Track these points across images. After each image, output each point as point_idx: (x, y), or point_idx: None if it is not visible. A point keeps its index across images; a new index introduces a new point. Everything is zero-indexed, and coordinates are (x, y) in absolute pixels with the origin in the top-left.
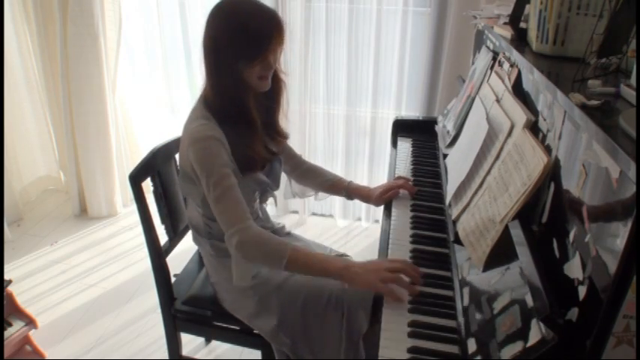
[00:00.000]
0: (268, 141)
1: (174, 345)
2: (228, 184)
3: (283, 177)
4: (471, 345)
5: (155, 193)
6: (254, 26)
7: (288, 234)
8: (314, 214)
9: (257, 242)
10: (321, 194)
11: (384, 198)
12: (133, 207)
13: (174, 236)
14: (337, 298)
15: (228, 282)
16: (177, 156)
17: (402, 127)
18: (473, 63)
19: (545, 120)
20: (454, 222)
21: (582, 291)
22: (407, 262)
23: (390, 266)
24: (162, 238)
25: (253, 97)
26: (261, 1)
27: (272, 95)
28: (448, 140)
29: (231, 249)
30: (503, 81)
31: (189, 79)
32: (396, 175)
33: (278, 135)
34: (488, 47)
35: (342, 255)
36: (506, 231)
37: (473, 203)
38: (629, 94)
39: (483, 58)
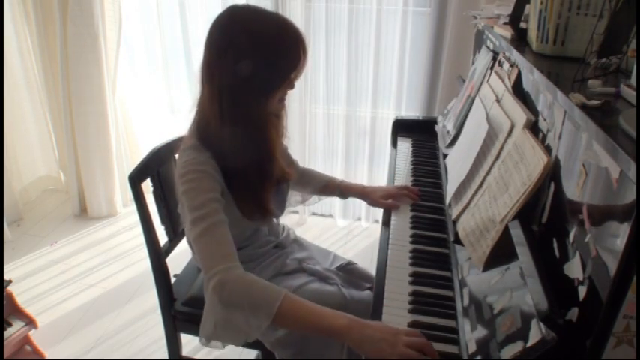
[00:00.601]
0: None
1: (174, 345)
2: (214, 221)
3: None
4: (471, 345)
5: (155, 193)
6: (284, 44)
7: (295, 240)
8: (314, 214)
9: (242, 284)
10: (309, 200)
11: (383, 204)
12: (133, 207)
13: (174, 237)
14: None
15: None
16: (177, 157)
17: (402, 127)
18: (473, 63)
19: (545, 120)
20: (454, 222)
21: (582, 291)
22: (426, 341)
23: (408, 341)
24: (162, 238)
25: (273, 127)
26: (273, 11)
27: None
28: (448, 140)
29: (207, 293)
30: (503, 81)
31: (189, 79)
32: (400, 184)
33: (281, 176)
34: (488, 47)
35: (349, 263)
36: (506, 231)
37: (473, 203)
38: (629, 94)
39: (483, 58)
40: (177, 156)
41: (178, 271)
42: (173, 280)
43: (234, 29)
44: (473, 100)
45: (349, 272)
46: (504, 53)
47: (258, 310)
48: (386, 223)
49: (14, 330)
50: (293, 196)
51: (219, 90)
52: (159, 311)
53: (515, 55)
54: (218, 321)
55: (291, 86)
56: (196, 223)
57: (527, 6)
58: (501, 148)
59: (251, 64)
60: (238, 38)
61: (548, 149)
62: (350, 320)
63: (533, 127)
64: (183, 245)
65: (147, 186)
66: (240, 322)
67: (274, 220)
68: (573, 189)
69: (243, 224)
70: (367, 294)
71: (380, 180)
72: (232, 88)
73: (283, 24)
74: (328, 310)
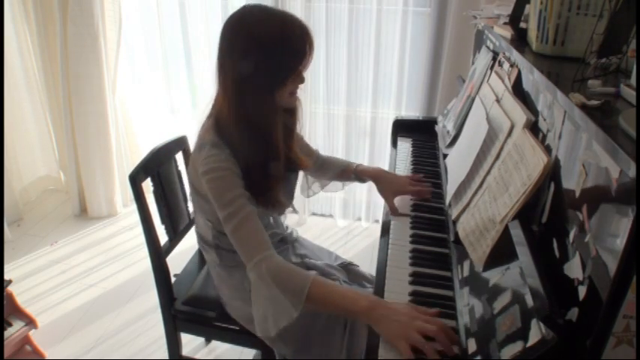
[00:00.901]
0: (289, 160)
1: (174, 345)
2: (245, 214)
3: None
4: (471, 345)
5: (155, 193)
6: (287, 41)
7: (296, 240)
8: (314, 214)
9: (279, 271)
10: (330, 187)
11: (390, 203)
12: (133, 207)
13: (174, 236)
14: None
15: (233, 290)
16: (177, 156)
17: (402, 127)
18: (473, 63)
19: (545, 120)
20: (454, 222)
21: (582, 291)
22: (444, 326)
23: (423, 328)
24: (163, 238)
25: (280, 121)
26: (282, 9)
27: (289, 115)
28: (448, 140)
29: (253, 278)
30: (503, 81)
31: (189, 79)
32: (416, 175)
33: (296, 164)
34: (488, 47)
35: (349, 263)
36: (506, 231)
37: (473, 203)
38: (629, 94)
39: (483, 58)
40: (192, 149)
41: (178, 271)
42: (173, 279)
43: (243, 26)
44: (473, 100)
45: (350, 272)
46: (504, 53)
47: (291, 296)
48: (386, 223)
49: (14, 330)
50: (313, 183)
51: (230, 85)
52: (159, 311)
53: (515, 55)
54: (268, 305)
55: (301, 80)
56: (229, 220)
57: (527, 6)
58: (501, 148)
59: (258, 60)
60: (246, 35)
61: (548, 149)
62: (370, 302)
63: (533, 127)
64: (183, 245)
65: (147, 186)
66: (276, 306)
67: (284, 210)
68: (573, 189)
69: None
70: (369, 290)
71: None
72: (242, 83)
73: (289, 20)
74: (352, 292)
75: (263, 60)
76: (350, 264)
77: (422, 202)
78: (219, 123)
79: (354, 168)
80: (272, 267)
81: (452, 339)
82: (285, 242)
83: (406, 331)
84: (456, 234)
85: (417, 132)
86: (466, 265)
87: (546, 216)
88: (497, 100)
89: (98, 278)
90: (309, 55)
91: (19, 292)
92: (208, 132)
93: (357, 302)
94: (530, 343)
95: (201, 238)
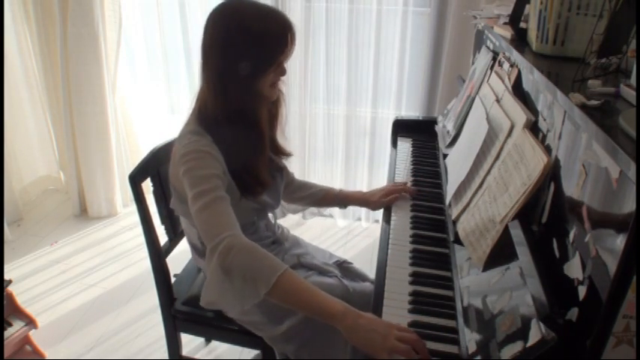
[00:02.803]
0: (272, 156)
1: (174, 345)
2: (217, 195)
3: None
4: (471, 345)
5: (155, 193)
6: (268, 30)
7: (287, 239)
8: (314, 214)
9: (246, 250)
10: (309, 213)
11: (384, 202)
12: (133, 207)
13: (174, 236)
14: None
15: None
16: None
17: (402, 127)
18: (473, 63)
19: (545, 120)
20: (454, 222)
21: (582, 291)
22: (418, 337)
23: (400, 336)
24: (163, 238)
25: (264, 109)
26: (265, 3)
27: (271, 106)
28: (448, 140)
29: (211, 260)
30: (503, 81)
31: (189, 79)
32: (395, 181)
33: (279, 151)
34: (488, 47)
35: (344, 262)
36: (506, 231)
37: (473, 203)
38: (629, 94)
39: (483, 58)
40: (176, 139)
41: (178, 271)
42: (173, 280)
43: (225, 17)
44: (473, 100)
45: (345, 270)
46: (504, 53)
47: (258, 278)
48: (386, 222)
49: (14, 330)
50: (292, 206)
51: (213, 75)
52: (159, 311)
53: (515, 55)
54: (219, 287)
55: (282, 71)
56: (198, 198)
57: (527, 6)
58: (501, 148)
59: (239, 50)
60: (227, 26)
61: (548, 149)
62: (346, 308)
63: (533, 127)
64: (183, 245)
65: (147, 186)
66: (239, 288)
67: (270, 215)
68: (573, 189)
69: (242, 209)
70: (368, 286)
71: (380, 180)
72: (224, 73)
73: (270, 12)
74: (326, 294)
75: (243, 50)
76: (345, 262)
77: (422, 201)
78: (202, 114)
79: (336, 194)
80: (242, 245)
81: (425, 352)
82: (279, 244)
83: (388, 342)
84: (456, 234)
85: (417, 132)
86: (466, 265)
87: (546, 216)
88: (497, 100)
89: (98, 278)
90: (291, 46)
91: (19, 292)
92: (189, 124)
93: (332, 304)
94: (530, 343)
95: (192, 248)
